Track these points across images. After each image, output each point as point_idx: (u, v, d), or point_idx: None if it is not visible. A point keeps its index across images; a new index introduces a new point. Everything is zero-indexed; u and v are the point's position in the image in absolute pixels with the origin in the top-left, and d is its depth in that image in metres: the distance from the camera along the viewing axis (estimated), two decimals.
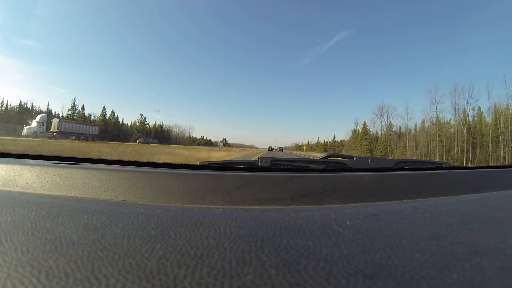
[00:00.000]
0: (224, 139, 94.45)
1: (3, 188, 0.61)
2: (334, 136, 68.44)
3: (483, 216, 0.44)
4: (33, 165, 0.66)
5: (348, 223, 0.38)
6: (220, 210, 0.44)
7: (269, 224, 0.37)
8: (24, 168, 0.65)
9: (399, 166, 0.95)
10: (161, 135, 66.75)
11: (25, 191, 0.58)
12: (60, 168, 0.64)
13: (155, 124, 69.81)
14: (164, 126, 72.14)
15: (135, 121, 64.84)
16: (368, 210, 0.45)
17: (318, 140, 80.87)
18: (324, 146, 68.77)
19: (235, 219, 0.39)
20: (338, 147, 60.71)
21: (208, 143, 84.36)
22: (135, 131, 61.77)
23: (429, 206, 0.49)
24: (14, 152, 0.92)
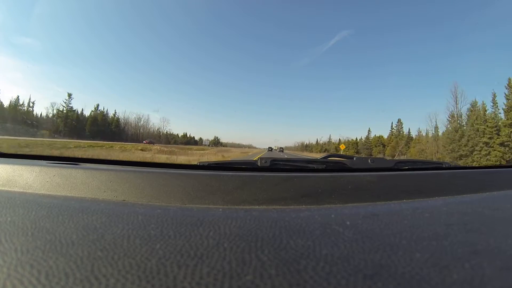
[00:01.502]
0: (215, 138, 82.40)
1: (3, 188, 0.61)
2: (369, 130, 46.85)
3: (483, 216, 0.44)
4: (33, 165, 0.66)
5: (348, 223, 0.38)
6: (220, 210, 0.44)
7: (269, 224, 0.37)
8: (24, 168, 0.65)
9: (399, 166, 0.95)
10: (101, 128, 44.48)
11: (24, 191, 0.58)
12: (59, 168, 0.64)
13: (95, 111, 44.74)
14: (113, 116, 47.46)
15: (52, 107, 40.94)
16: (368, 210, 0.45)
17: (329, 138, 62.90)
18: (355, 145, 49.53)
19: (235, 219, 0.39)
20: (376, 146, 43.61)
21: (190, 141, 70.27)
22: (59, 119, 40.18)
23: (429, 206, 0.49)
24: (14, 152, 0.92)
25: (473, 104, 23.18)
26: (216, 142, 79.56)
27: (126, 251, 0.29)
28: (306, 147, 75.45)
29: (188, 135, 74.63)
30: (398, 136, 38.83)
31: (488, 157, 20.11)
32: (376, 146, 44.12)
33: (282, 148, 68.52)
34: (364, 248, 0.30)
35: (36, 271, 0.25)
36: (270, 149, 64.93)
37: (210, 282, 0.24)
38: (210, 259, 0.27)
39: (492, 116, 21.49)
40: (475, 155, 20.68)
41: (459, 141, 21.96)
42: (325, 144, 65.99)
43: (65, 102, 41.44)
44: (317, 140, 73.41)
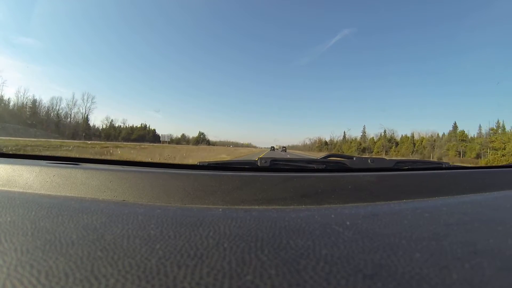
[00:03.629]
0: (200, 134, 65.56)
1: (3, 188, 0.61)
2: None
3: (483, 216, 0.44)
4: (33, 165, 0.66)
5: (348, 223, 0.38)
6: (220, 210, 0.44)
7: (269, 224, 0.37)
8: (24, 168, 0.65)
9: (399, 166, 0.95)
10: None
11: (24, 191, 0.58)
12: (59, 168, 0.64)
13: None
14: None
15: None
16: (368, 210, 0.45)
17: (364, 131, 43.16)
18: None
19: (235, 219, 0.39)
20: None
21: (144, 137, 51.90)
22: None
23: (429, 206, 0.49)
24: (14, 152, 0.92)
25: None
26: (199, 140, 64.36)
27: (126, 251, 0.29)
28: (327, 145, 51.87)
29: (147, 127, 55.06)
30: None
31: None
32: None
33: (284, 147, 59.39)
34: (364, 248, 0.30)
35: (36, 271, 0.25)
36: (273, 148, 58.32)
37: (210, 282, 0.24)
38: (210, 259, 0.27)
39: None
40: None
41: None
42: (356, 139, 44.53)
43: None
44: (344, 134, 48.78)
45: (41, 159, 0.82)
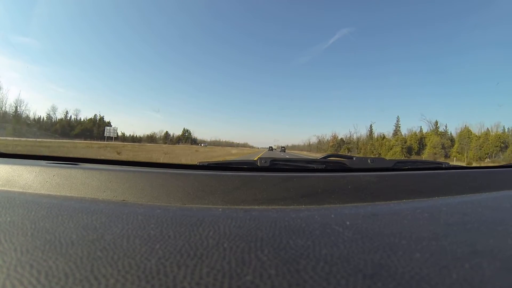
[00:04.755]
0: (185, 131, 58.04)
1: (2, 188, 0.61)
2: None
3: (483, 216, 0.44)
4: (33, 165, 0.66)
5: (347, 223, 0.38)
6: (220, 210, 0.44)
7: (269, 224, 0.37)
8: (24, 168, 0.65)
9: (399, 166, 0.95)
10: None
11: (24, 191, 0.58)
12: (59, 168, 0.64)
13: None
14: None
15: None
16: (367, 210, 0.45)
17: (396, 126, 31.65)
18: None
19: (235, 219, 0.39)
20: None
21: (85, 133, 40.93)
22: None
23: (429, 206, 0.49)
24: (13, 152, 0.92)
25: None
26: (181, 138, 56.95)
27: (126, 251, 0.29)
28: (347, 145, 37.66)
29: (99, 120, 43.71)
30: None
31: None
32: None
33: (283, 147, 57.06)
34: (364, 248, 0.30)
35: (35, 271, 0.25)
36: (271, 148, 57.16)
37: (209, 282, 0.24)
38: (210, 259, 0.27)
39: None
40: None
41: None
42: (384, 136, 32.02)
43: None
44: (371, 128, 34.15)
45: (40, 159, 0.82)
